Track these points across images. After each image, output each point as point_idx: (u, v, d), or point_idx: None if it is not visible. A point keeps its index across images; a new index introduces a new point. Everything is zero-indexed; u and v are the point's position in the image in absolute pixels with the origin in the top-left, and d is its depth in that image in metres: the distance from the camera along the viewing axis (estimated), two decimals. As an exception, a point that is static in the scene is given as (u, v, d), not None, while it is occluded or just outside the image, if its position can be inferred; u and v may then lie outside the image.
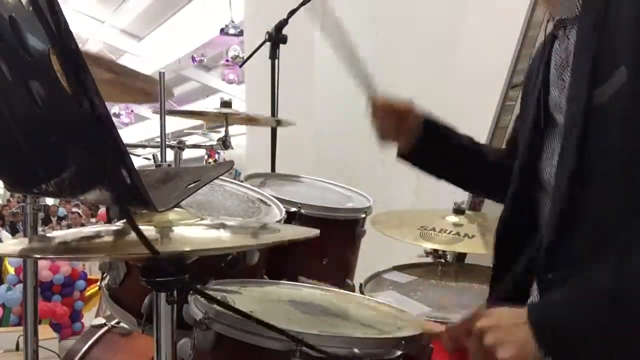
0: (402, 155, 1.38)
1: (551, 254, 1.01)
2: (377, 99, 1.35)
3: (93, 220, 10.29)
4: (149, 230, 0.86)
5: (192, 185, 0.89)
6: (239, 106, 2.59)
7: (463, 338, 0.97)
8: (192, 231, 0.92)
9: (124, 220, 0.92)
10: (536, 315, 0.90)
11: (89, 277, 5.08)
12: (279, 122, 2.32)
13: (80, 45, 0.64)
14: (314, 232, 0.98)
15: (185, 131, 15.13)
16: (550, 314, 0.91)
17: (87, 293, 5.01)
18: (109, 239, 0.89)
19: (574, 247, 0.98)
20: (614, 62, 0.90)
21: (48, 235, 0.96)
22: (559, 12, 1.04)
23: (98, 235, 0.93)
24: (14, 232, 9.07)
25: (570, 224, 0.98)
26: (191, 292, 1.10)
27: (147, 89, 1.69)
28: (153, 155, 1.84)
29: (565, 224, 0.99)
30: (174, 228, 0.88)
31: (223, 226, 1.01)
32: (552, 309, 0.91)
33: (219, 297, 1.09)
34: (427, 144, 1.34)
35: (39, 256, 1.23)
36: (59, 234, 1.00)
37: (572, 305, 0.90)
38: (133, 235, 0.84)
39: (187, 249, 0.85)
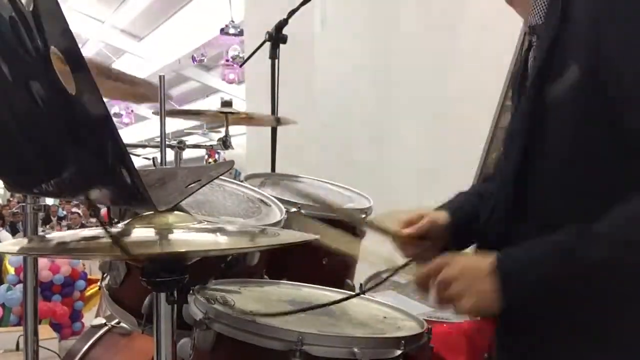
0: None
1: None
2: (399, 234, 1.26)
3: (93, 220, 10.29)
4: (148, 231, 0.86)
5: (192, 185, 0.89)
6: (239, 106, 2.59)
7: (428, 282, 1.02)
8: (191, 234, 0.92)
9: (125, 222, 0.92)
10: (501, 266, 0.94)
11: (89, 277, 5.08)
12: (279, 121, 2.31)
13: (80, 45, 0.64)
14: (314, 236, 0.99)
15: (185, 131, 15.13)
16: (517, 268, 0.94)
17: (87, 293, 5.01)
18: (107, 239, 0.88)
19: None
20: (567, 60, 0.94)
21: (47, 236, 0.96)
22: (529, 20, 1.06)
23: (97, 236, 0.93)
24: (14, 232, 9.07)
25: (515, 222, 1.02)
26: (191, 292, 1.10)
27: (144, 93, 1.69)
28: (152, 158, 1.85)
29: (510, 222, 1.03)
30: (173, 230, 0.88)
31: (221, 231, 1.01)
32: (518, 264, 0.95)
33: (219, 297, 1.09)
34: (456, 241, 1.26)
35: (36, 253, 1.22)
36: (58, 235, 1.00)
37: (536, 260, 0.93)
38: (131, 236, 0.85)
39: (185, 250, 0.84)
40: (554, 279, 0.92)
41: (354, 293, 1.37)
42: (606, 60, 0.89)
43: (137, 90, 1.66)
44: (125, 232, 0.88)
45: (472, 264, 0.98)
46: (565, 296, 0.94)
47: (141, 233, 0.86)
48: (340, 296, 1.39)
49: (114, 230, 0.81)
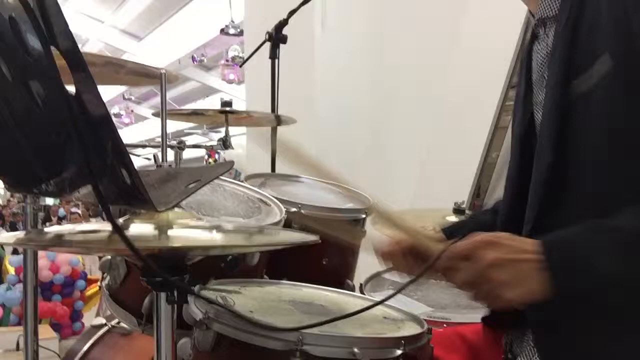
0: None
1: None
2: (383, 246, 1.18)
3: (93, 220, 10.30)
4: (147, 229, 0.86)
5: (192, 185, 0.89)
6: (239, 106, 2.59)
7: (458, 262, 0.90)
8: (191, 232, 0.92)
9: (124, 218, 0.92)
10: (554, 255, 0.84)
11: (89, 277, 5.08)
12: (279, 121, 2.32)
13: (80, 45, 0.64)
14: (313, 237, 0.99)
15: (185, 131, 15.14)
16: (571, 255, 0.85)
17: (88, 293, 5.01)
18: (105, 234, 0.89)
19: None
20: (594, 52, 0.90)
21: (45, 229, 0.97)
22: (539, 11, 1.05)
23: (95, 230, 0.93)
24: (14, 232, 9.07)
25: (549, 217, 0.97)
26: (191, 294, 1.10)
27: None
28: (154, 155, 1.85)
29: (543, 217, 0.97)
30: (173, 227, 0.88)
31: (220, 228, 1.01)
32: (569, 248, 0.85)
33: (218, 297, 1.09)
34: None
35: (34, 244, 1.23)
36: (56, 229, 1.00)
37: (593, 246, 0.84)
38: (130, 231, 0.85)
39: (186, 248, 0.85)
40: (616, 274, 0.83)
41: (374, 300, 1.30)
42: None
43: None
44: (124, 227, 0.88)
45: (519, 245, 0.87)
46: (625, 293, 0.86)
47: (140, 229, 0.86)
48: (340, 296, 1.39)
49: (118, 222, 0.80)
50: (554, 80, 0.97)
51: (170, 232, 0.86)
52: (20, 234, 0.98)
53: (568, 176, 0.95)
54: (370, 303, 1.22)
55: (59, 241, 0.88)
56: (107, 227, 0.89)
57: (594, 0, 0.91)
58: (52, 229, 0.97)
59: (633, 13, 0.86)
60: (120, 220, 0.89)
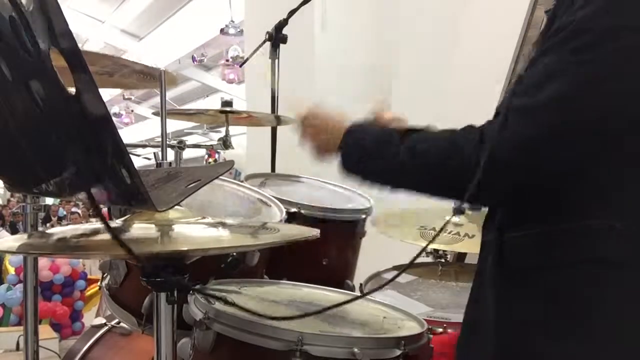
0: None
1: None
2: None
3: (93, 220, 10.30)
4: (149, 229, 0.86)
5: (192, 185, 0.89)
6: (239, 106, 2.59)
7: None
8: (192, 230, 0.92)
9: (124, 218, 0.92)
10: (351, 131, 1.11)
11: (89, 277, 5.08)
12: (279, 121, 2.31)
13: (80, 45, 0.64)
14: (314, 232, 0.98)
15: (185, 131, 15.13)
16: (359, 131, 1.12)
17: (88, 293, 5.01)
18: (106, 236, 0.89)
19: None
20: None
21: (47, 231, 0.96)
22: (549, 3, 1.06)
23: (96, 232, 0.93)
24: (14, 232, 9.06)
25: None
26: (192, 292, 1.10)
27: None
28: (154, 153, 1.85)
29: None
30: (174, 227, 0.88)
31: (222, 225, 1.01)
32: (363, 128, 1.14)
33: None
34: None
35: (36, 252, 1.23)
36: (58, 230, 1.00)
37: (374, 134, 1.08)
38: (130, 233, 0.85)
39: (187, 248, 0.85)
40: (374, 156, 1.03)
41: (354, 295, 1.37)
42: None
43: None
44: (125, 228, 0.88)
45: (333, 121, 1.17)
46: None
47: (141, 230, 0.86)
48: (340, 296, 1.39)
49: (115, 227, 0.80)
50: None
51: (171, 233, 0.86)
52: (21, 238, 0.98)
53: None
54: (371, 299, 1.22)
55: (61, 248, 0.88)
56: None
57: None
58: (53, 232, 0.97)
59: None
60: (119, 222, 0.89)
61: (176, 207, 0.89)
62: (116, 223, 0.93)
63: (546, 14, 1.06)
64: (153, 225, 0.91)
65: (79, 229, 0.94)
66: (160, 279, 0.85)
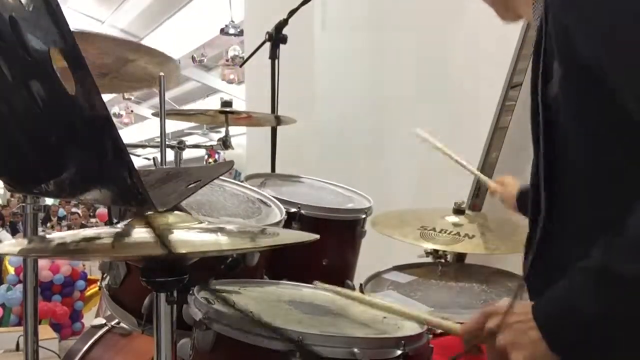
0: None
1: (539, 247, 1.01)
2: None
3: (93, 220, 10.30)
4: (147, 233, 0.86)
5: (192, 185, 0.89)
6: (239, 106, 2.59)
7: (478, 337, 0.95)
8: (191, 234, 0.92)
9: (125, 222, 0.92)
10: (540, 313, 0.87)
11: (89, 277, 5.08)
12: (279, 121, 2.32)
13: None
14: (314, 236, 0.98)
15: (185, 131, 15.13)
16: (552, 308, 0.87)
17: (87, 293, 5.01)
18: (108, 240, 0.89)
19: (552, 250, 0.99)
20: (552, 60, 0.92)
21: (47, 236, 0.96)
22: (532, 19, 1.06)
23: (97, 237, 0.93)
24: (14, 232, 9.07)
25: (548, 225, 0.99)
26: (195, 290, 1.10)
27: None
28: (153, 158, 1.85)
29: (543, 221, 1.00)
30: (173, 231, 0.88)
31: (221, 230, 1.01)
32: (553, 302, 0.87)
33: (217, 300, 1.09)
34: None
35: (36, 255, 1.22)
36: (58, 235, 1.00)
37: (569, 291, 0.85)
38: (133, 236, 0.85)
39: (186, 251, 0.84)
40: (598, 307, 0.81)
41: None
42: (580, 53, 0.86)
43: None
44: (125, 232, 0.88)
45: (519, 309, 0.90)
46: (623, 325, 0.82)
47: (140, 234, 0.86)
48: (340, 296, 1.39)
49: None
50: (531, 87, 1.00)
51: (171, 237, 0.86)
52: (22, 242, 0.98)
53: (553, 176, 0.97)
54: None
55: (62, 250, 0.88)
56: (108, 232, 0.89)
57: (552, 10, 0.92)
58: (53, 236, 0.97)
59: (570, 21, 0.87)
60: (122, 225, 0.89)
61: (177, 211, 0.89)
62: (117, 226, 0.93)
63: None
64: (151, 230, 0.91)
65: (80, 234, 0.94)
66: (160, 279, 0.85)
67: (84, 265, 5.06)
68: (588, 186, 0.94)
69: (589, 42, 0.85)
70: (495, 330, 0.90)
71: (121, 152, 0.67)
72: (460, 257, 2.16)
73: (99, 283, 4.29)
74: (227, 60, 11.55)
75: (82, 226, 9.14)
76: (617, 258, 0.80)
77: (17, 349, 3.32)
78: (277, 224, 1.48)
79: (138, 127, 16.70)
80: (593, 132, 0.91)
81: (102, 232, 0.91)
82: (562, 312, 0.85)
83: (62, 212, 11.77)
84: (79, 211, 10.62)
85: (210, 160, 9.78)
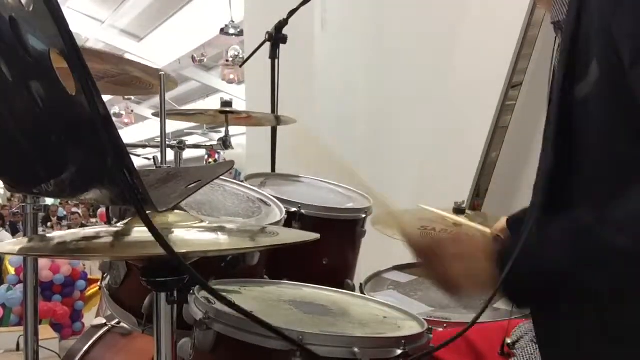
0: None
1: None
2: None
3: (93, 220, 10.31)
4: (145, 232, 0.86)
5: (192, 185, 0.89)
6: (239, 106, 2.59)
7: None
8: (191, 233, 0.92)
9: (124, 221, 0.92)
10: (501, 250, 0.92)
11: (89, 277, 5.09)
12: (279, 121, 2.32)
13: (80, 45, 0.64)
14: (314, 236, 0.98)
15: (185, 131, 15.13)
16: (514, 247, 0.89)
17: (88, 293, 5.02)
18: (108, 239, 0.89)
19: None
20: (589, 57, 0.90)
21: (47, 235, 0.96)
22: (552, 15, 1.04)
23: (97, 236, 0.93)
24: (14, 232, 9.07)
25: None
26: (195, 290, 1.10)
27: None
28: (154, 157, 1.85)
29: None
30: (173, 230, 0.88)
31: (221, 229, 1.01)
32: (517, 244, 0.90)
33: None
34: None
35: (37, 254, 1.22)
36: (59, 234, 1.00)
37: (541, 243, 0.89)
38: (132, 236, 0.85)
39: (186, 250, 0.84)
40: (567, 260, 0.85)
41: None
42: (623, 54, 0.84)
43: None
44: (125, 232, 0.88)
45: (473, 233, 0.96)
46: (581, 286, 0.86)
47: (141, 233, 0.86)
48: (340, 296, 1.39)
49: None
50: (557, 86, 0.97)
51: (171, 236, 0.86)
52: (22, 241, 0.98)
53: (567, 182, 0.95)
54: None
55: (62, 250, 0.88)
56: (109, 231, 0.89)
57: (590, 8, 0.91)
58: (53, 236, 0.97)
59: (613, 23, 0.86)
60: (122, 224, 0.89)
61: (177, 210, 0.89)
62: (117, 226, 0.93)
63: (555, 26, 1.04)
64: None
65: (80, 233, 0.94)
66: (160, 279, 0.85)
67: (84, 265, 5.06)
68: (608, 181, 0.92)
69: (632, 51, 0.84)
70: (443, 240, 0.97)
71: (121, 152, 0.67)
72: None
73: (99, 283, 4.30)
74: (227, 60, 11.55)
75: (82, 226, 9.15)
76: (611, 228, 0.82)
77: (18, 349, 3.33)
78: (277, 223, 1.48)
79: (138, 127, 16.70)
80: (627, 140, 0.88)
81: (102, 231, 0.91)
82: (527, 258, 0.88)
83: (62, 211, 11.77)
84: (79, 211, 10.62)
85: (211, 160, 9.79)
